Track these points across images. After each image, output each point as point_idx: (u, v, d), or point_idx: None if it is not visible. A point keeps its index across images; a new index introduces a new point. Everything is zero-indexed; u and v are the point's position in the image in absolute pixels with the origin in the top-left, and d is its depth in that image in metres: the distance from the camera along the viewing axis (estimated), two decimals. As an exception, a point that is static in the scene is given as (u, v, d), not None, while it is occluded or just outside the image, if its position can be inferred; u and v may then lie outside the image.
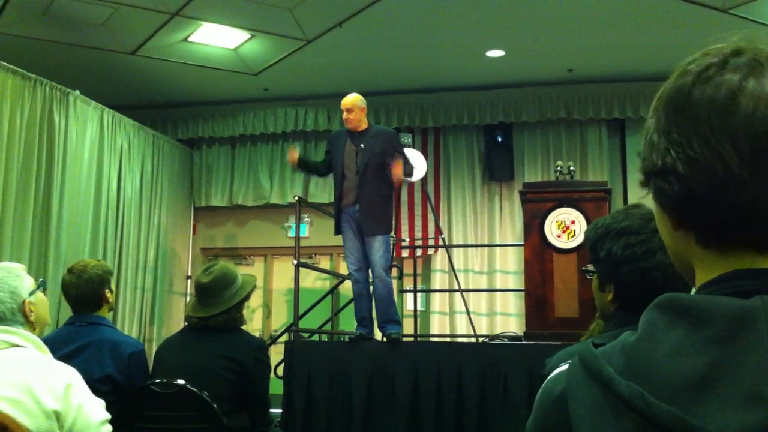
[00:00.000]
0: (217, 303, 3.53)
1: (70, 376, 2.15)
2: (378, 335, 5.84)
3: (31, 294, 2.37)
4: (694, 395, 0.68)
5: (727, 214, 0.75)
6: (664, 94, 0.80)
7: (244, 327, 3.68)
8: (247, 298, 3.64)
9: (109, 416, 2.21)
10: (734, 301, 0.72)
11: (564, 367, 0.82)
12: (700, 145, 0.75)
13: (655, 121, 0.80)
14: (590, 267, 1.91)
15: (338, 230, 5.71)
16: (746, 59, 0.77)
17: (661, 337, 0.74)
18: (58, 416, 2.05)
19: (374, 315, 5.67)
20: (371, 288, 5.72)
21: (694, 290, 0.82)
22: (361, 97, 5.73)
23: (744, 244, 0.76)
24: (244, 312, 3.70)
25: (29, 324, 2.34)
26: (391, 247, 6.28)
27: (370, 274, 5.69)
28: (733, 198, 0.74)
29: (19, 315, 2.31)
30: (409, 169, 5.70)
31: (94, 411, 2.16)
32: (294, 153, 5.79)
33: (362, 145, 5.59)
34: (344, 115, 5.69)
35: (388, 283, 5.60)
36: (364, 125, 5.70)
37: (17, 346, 2.21)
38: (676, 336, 0.73)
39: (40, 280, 2.51)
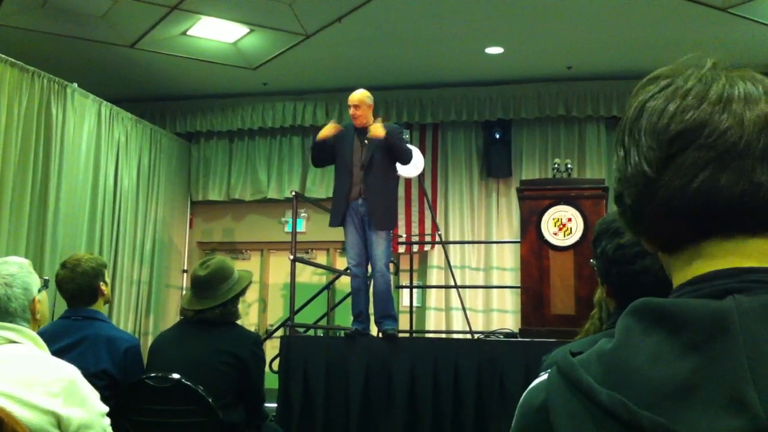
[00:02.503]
0: (214, 296, 3.54)
1: (70, 373, 2.14)
2: (374, 331, 5.85)
3: (39, 291, 2.36)
4: (676, 402, 0.68)
5: (653, 215, 0.80)
6: (626, 114, 0.86)
7: (239, 321, 3.69)
8: (243, 292, 3.65)
9: (107, 409, 2.22)
10: (708, 304, 0.72)
11: (543, 377, 0.83)
12: (625, 158, 0.82)
13: (620, 124, 0.87)
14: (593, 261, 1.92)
15: (337, 222, 5.69)
16: (665, 82, 0.82)
17: (639, 344, 0.74)
18: (55, 413, 2.04)
19: (371, 310, 5.67)
20: (369, 284, 5.73)
21: None
22: (369, 94, 5.73)
23: (689, 245, 0.79)
24: (240, 307, 3.71)
25: (35, 321, 2.34)
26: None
27: (369, 270, 5.70)
28: (651, 199, 0.79)
29: (29, 312, 2.30)
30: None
31: (95, 405, 2.16)
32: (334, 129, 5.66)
33: (366, 141, 5.60)
34: (351, 111, 5.68)
35: (388, 278, 5.62)
36: (369, 121, 5.71)
37: (14, 342, 2.20)
38: (653, 342, 0.73)
39: (45, 278, 2.50)
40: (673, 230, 0.79)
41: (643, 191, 0.79)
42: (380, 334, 5.65)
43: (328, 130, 5.67)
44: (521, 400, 0.86)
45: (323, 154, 5.79)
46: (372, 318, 5.71)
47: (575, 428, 0.73)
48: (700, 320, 0.71)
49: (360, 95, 5.68)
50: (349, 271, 5.74)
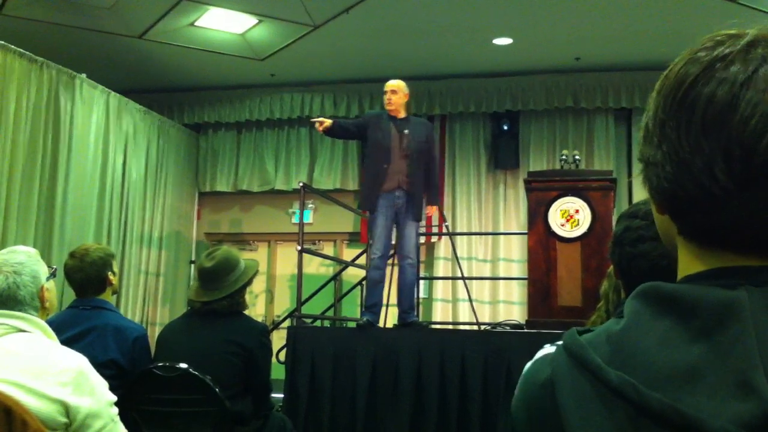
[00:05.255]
0: (221, 288, 3.55)
1: (78, 363, 2.15)
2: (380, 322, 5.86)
3: (47, 280, 2.37)
4: (683, 385, 0.68)
5: (709, 220, 0.74)
6: (668, 80, 0.77)
7: (246, 312, 3.71)
8: (249, 282, 3.66)
9: (115, 398, 2.23)
10: (719, 292, 0.72)
11: (548, 349, 0.82)
12: (691, 149, 0.73)
13: (653, 107, 0.78)
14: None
15: (369, 206, 5.69)
16: (759, 54, 0.73)
17: (648, 327, 0.73)
18: (63, 402, 2.05)
19: (392, 301, 5.70)
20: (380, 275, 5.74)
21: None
22: (405, 84, 5.82)
23: (725, 244, 0.76)
24: (247, 297, 3.72)
25: (44, 310, 2.34)
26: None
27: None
28: (715, 208, 0.73)
29: (37, 300, 2.31)
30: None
31: (104, 394, 2.17)
32: (324, 123, 5.63)
33: (407, 131, 5.63)
34: (387, 96, 5.73)
35: (416, 269, 5.76)
36: (404, 112, 5.76)
37: (23, 331, 2.21)
38: (663, 326, 0.72)
39: (54, 267, 2.51)
40: (712, 235, 0.76)
41: (704, 194, 0.73)
42: (399, 324, 5.70)
43: (320, 126, 5.68)
44: (525, 372, 0.85)
45: (343, 135, 6.00)
46: (385, 309, 5.75)
47: (581, 407, 0.72)
48: (711, 307, 0.71)
49: (398, 82, 5.79)
50: (371, 261, 5.71)
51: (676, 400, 0.67)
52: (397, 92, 5.72)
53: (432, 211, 5.87)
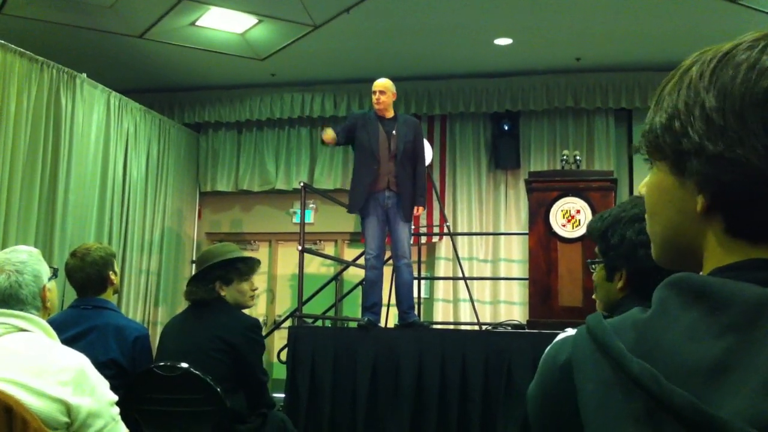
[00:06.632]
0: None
1: (79, 362, 2.15)
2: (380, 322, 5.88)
3: (49, 280, 2.38)
4: (707, 380, 0.66)
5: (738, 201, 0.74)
6: (733, 85, 0.75)
7: (247, 311, 3.70)
8: (225, 270, 3.59)
9: (116, 398, 2.23)
10: (754, 288, 0.70)
11: (569, 332, 0.81)
12: (733, 128, 0.73)
13: (718, 100, 0.76)
14: (596, 258, 1.89)
15: (356, 209, 5.73)
16: None
17: (675, 318, 0.72)
18: (64, 402, 2.05)
19: (392, 301, 5.72)
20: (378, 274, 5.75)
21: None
22: (392, 83, 5.83)
23: (748, 238, 0.75)
24: (244, 293, 3.69)
25: (45, 310, 2.35)
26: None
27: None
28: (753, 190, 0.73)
29: (39, 300, 2.31)
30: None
31: (105, 394, 2.17)
32: (329, 134, 5.63)
33: (394, 132, 5.65)
34: (375, 97, 5.75)
35: (412, 269, 5.78)
36: (391, 112, 5.77)
37: (25, 330, 2.21)
38: (690, 318, 0.71)
39: (55, 267, 2.51)
40: (764, 228, 0.75)
41: (755, 184, 0.73)
42: (399, 325, 5.72)
43: (326, 137, 5.66)
44: (545, 353, 0.83)
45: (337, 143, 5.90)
46: (385, 309, 5.77)
47: (601, 394, 0.71)
48: (745, 303, 0.69)
49: (385, 82, 5.80)
50: (366, 261, 5.74)
51: (698, 394, 0.66)
52: (385, 92, 5.74)
53: (419, 211, 5.86)
